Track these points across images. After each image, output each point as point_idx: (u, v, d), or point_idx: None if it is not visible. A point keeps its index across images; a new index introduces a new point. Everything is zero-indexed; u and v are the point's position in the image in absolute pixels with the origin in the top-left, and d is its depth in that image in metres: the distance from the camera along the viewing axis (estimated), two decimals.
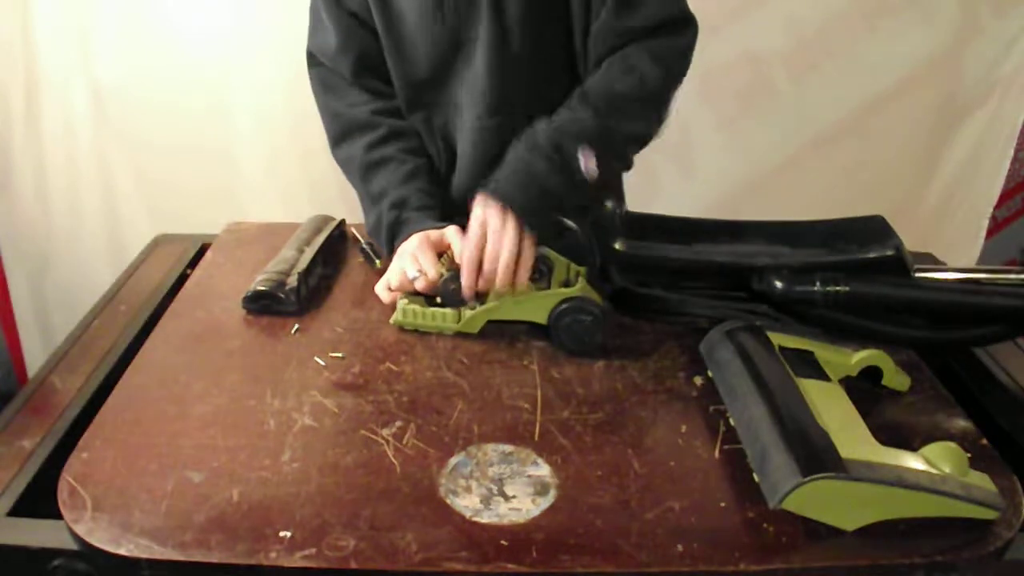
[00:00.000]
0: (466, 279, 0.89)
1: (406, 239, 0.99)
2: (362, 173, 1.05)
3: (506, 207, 0.88)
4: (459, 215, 1.06)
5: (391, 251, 1.02)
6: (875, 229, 0.94)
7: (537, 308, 0.92)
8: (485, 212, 0.89)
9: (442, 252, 0.97)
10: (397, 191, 1.02)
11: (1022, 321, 0.89)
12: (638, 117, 0.98)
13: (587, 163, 0.88)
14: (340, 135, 1.08)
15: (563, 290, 0.92)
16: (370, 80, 1.08)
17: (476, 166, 1.07)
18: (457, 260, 0.93)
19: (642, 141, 1.00)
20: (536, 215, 0.89)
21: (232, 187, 1.63)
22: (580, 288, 0.92)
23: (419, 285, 0.94)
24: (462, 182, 1.10)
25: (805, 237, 0.96)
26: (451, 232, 0.96)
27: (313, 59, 1.11)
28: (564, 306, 0.90)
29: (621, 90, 0.96)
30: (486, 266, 0.88)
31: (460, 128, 1.08)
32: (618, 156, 0.98)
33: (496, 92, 1.02)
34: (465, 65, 1.03)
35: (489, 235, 0.88)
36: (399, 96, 1.09)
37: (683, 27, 1.00)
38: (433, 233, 0.97)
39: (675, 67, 1.00)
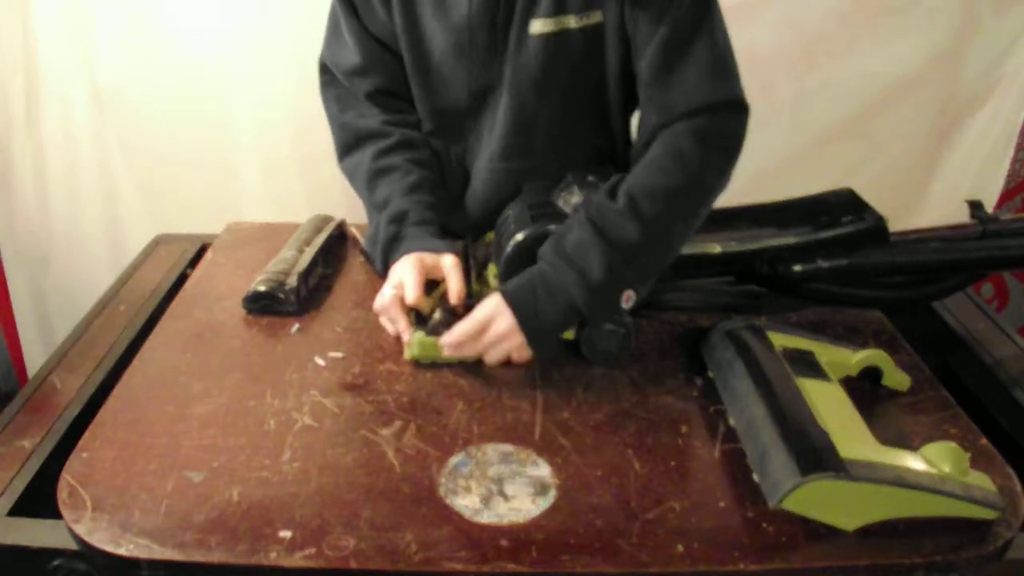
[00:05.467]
0: (449, 351, 0.86)
1: (413, 251, 0.94)
2: (368, 180, 1.01)
3: (521, 330, 0.84)
4: (466, 231, 1.05)
5: (384, 267, 0.98)
6: (849, 201, 1.01)
7: None
8: (496, 317, 0.84)
9: (434, 280, 0.93)
10: (398, 202, 0.98)
11: (982, 267, 1.00)
12: (689, 210, 0.89)
13: (627, 300, 0.86)
14: (349, 145, 1.04)
15: None
16: (387, 100, 1.05)
17: (485, 201, 1.05)
18: (452, 300, 0.90)
19: (696, 222, 0.91)
20: (546, 343, 0.86)
21: (232, 189, 1.62)
22: None
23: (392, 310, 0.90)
24: (472, 213, 1.07)
25: (788, 216, 1.00)
26: (448, 264, 0.92)
27: (327, 71, 1.07)
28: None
29: (670, 184, 0.87)
30: (470, 353, 0.86)
31: (476, 165, 1.05)
32: (667, 257, 0.90)
33: (514, 139, 1.00)
34: (488, 106, 1.01)
35: (488, 335, 0.85)
36: (422, 120, 1.06)
37: (733, 113, 0.91)
38: (428, 257, 0.92)
39: (730, 151, 0.91)
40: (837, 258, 0.94)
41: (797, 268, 0.94)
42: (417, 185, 1.00)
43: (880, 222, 0.96)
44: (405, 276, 0.91)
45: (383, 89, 1.04)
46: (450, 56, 0.98)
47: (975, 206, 0.98)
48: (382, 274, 0.98)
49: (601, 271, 0.84)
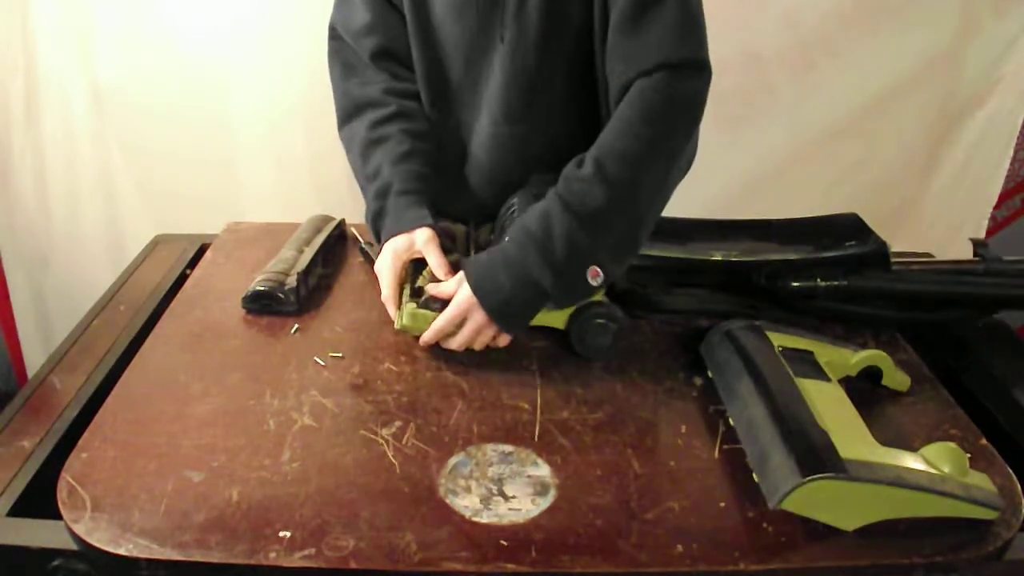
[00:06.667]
0: (427, 341, 0.89)
1: (389, 235, 0.95)
2: (362, 150, 1.02)
3: (489, 316, 0.86)
4: (469, 210, 1.06)
5: (379, 243, 0.99)
6: (854, 226, 1.01)
7: (555, 314, 0.89)
8: (469, 306, 0.86)
9: (416, 259, 0.94)
10: (385, 174, 0.99)
11: (981, 304, 1.00)
12: (657, 174, 0.89)
13: (594, 276, 0.85)
14: (349, 113, 1.05)
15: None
16: (390, 64, 1.06)
17: (488, 171, 1.05)
18: (438, 275, 0.90)
19: (665, 193, 0.91)
20: (520, 327, 0.88)
21: (232, 189, 1.63)
22: (600, 293, 0.89)
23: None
24: (474, 184, 1.07)
25: (791, 234, 1.01)
26: (421, 241, 0.92)
27: (335, 33, 1.08)
28: (587, 312, 0.88)
29: (636, 147, 0.87)
30: (452, 346, 0.89)
31: (476, 132, 1.05)
32: (636, 229, 0.89)
33: (514, 100, 1.00)
34: (487, 69, 1.01)
35: (464, 329, 0.87)
36: (421, 91, 1.06)
37: (697, 73, 0.90)
38: (401, 241, 0.93)
39: (695, 113, 0.91)
40: (836, 279, 0.95)
41: (795, 284, 0.95)
42: (407, 155, 1.00)
43: (882, 248, 0.96)
44: (382, 273, 0.93)
45: (388, 48, 1.04)
46: (451, 15, 0.98)
47: (979, 244, 0.99)
48: (379, 247, 0.99)
49: (563, 245, 0.84)
